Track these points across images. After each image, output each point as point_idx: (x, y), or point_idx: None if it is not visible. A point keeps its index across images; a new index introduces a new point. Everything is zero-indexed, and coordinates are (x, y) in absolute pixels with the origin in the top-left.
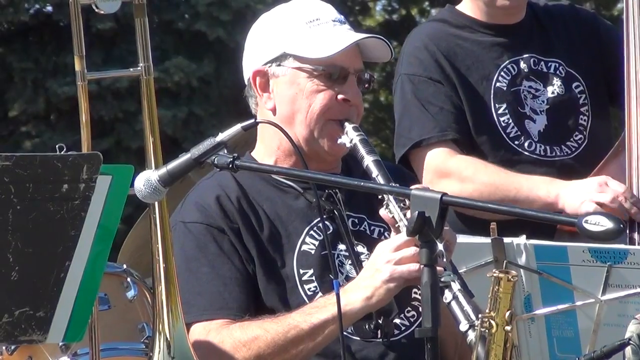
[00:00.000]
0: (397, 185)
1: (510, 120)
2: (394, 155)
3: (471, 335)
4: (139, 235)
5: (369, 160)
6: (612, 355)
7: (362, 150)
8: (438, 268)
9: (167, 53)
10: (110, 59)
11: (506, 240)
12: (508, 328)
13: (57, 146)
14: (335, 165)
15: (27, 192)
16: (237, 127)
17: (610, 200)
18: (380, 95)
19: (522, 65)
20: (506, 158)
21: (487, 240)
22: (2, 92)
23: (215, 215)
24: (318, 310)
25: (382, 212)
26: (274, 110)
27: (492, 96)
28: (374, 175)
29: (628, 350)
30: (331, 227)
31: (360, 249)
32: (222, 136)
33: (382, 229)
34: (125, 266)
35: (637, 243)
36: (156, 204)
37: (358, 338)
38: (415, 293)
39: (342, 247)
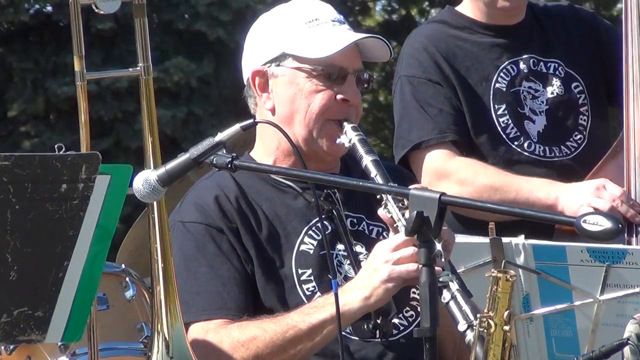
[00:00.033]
0: (396, 185)
1: (510, 121)
2: (393, 155)
3: (469, 335)
4: (138, 235)
5: (367, 160)
6: (610, 355)
7: (360, 150)
8: (436, 268)
9: (167, 53)
10: (109, 59)
11: (505, 240)
12: (506, 328)
13: (56, 146)
14: (334, 165)
15: (25, 191)
16: (236, 127)
17: (606, 204)
18: (379, 95)
19: (522, 65)
20: (506, 158)
21: (486, 240)
22: (1, 92)
23: (214, 215)
24: (316, 310)
25: (381, 212)
26: (273, 111)
27: (491, 97)
28: (372, 175)
29: (626, 350)
30: (330, 227)
31: (358, 248)
32: (221, 136)
33: (380, 229)
34: (123, 266)
35: None
36: (155, 203)
37: (357, 338)
38: (414, 293)
39: (340, 247)
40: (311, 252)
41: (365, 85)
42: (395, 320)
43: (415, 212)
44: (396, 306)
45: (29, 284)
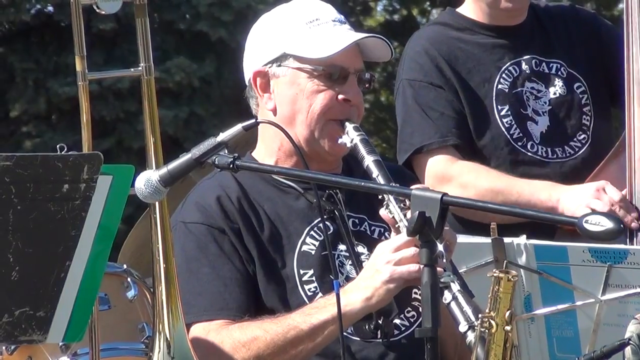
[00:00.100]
0: (398, 185)
1: (513, 122)
2: (395, 156)
3: (470, 336)
4: (140, 235)
5: (369, 160)
6: (611, 355)
7: (362, 150)
8: (438, 269)
9: (168, 53)
10: (111, 59)
11: (506, 240)
12: (508, 328)
13: (57, 146)
14: (336, 166)
15: (27, 192)
16: (238, 127)
17: (604, 207)
18: (381, 95)
19: (524, 66)
20: (510, 159)
21: (488, 240)
22: (3, 92)
23: (216, 216)
24: (318, 311)
25: (382, 212)
26: (274, 111)
27: (494, 98)
28: (374, 175)
29: (628, 350)
30: (331, 228)
31: (360, 249)
32: (222, 136)
33: (382, 229)
34: (125, 266)
35: None
36: (157, 204)
37: (358, 338)
38: (416, 293)
39: (342, 247)
40: (313, 252)
41: (367, 85)
42: (397, 321)
43: (417, 212)
44: (398, 307)
45: (30, 284)
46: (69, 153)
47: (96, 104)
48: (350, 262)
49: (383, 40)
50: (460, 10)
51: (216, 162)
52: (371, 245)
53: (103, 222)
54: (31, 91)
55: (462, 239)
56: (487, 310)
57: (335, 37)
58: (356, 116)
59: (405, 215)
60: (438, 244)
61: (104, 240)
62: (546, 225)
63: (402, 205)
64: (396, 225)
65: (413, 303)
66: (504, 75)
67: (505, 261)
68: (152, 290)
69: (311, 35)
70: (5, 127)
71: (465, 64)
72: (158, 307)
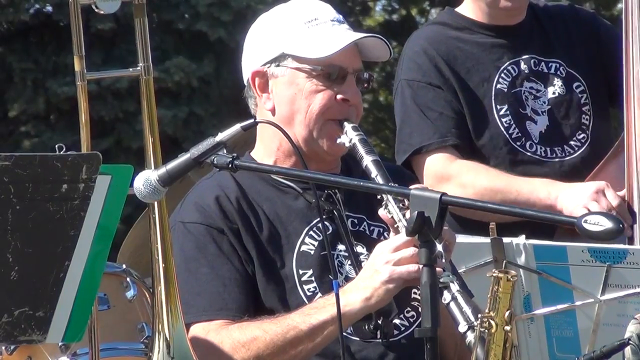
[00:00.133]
0: (397, 185)
1: (512, 122)
2: (394, 155)
3: (470, 337)
4: (139, 235)
5: (368, 161)
6: (611, 355)
7: (361, 150)
8: (437, 269)
9: (167, 53)
10: (110, 59)
11: (506, 240)
12: (507, 328)
13: (56, 146)
14: (334, 165)
15: (26, 192)
16: (236, 127)
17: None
18: (380, 95)
19: (523, 66)
20: (509, 159)
21: (487, 240)
22: (2, 92)
23: (215, 216)
24: (317, 311)
25: (381, 212)
26: (273, 111)
27: (493, 98)
28: (373, 175)
29: (627, 350)
30: (331, 228)
31: (359, 249)
32: (221, 136)
33: (381, 229)
34: (124, 266)
35: None
36: (155, 203)
37: (357, 338)
38: (415, 293)
39: (341, 247)
40: (312, 252)
41: (366, 85)
42: (396, 321)
43: (416, 212)
44: (397, 307)
45: (29, 284)
46: (68, 153)
47: (95, 104)
48: (349, 262)
49: (382, 40)
50: (459, 9)
51: (215, 162)
52: (370, 245)
53: (102, 222)
54: (30, 91)
55: (461, 238)
56: (486, 310)
57: (334, 37)
58: (355, 116)
59: (404, 215)
60: (437, 243)
61: (103, 240)
62: (546, 224)
63: (401, 205)
64: (395, 226)
65: (412, 303)
66: (502, 75)
67: (504, 261)
68: (151, 290)
69: (310, 35)
70: (4, 127)
71: (464, 64)
72: (157, 307)
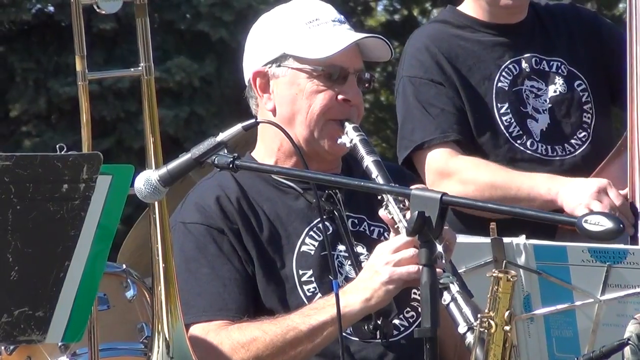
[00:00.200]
0: (397, 185)
1: (513, 120)
2: (395, 156)
3: (469, 337)
4: (139, 235)
5: (368, 161)
6: (611, 355)
7: (362, 151)
8: (437, 269)
9: (169, 53)
10: (111, 59)
11: (506, 240)
12: (507, 328)
13: (57, 146)
14: (335, 166)
15: (27, 192)
16: (237, 127)
17: (604, 210)
18: (381, 95)
19: (524, 64)
20: (508, 157)
21: (487, 240)
22: (3, 91)
23: (215, 216)
24: (317, 312)
25: (382, 212)
26: (274, 111)
27: (494, 96)
28: (373, 175)
29: (627, 350)
30: (331, 228)
31: (360, 249)
32: (222, 136)
33: (381, 230)
34: (124, 266)
35: None
36: (156, 204)
37: (357, 339)
38: (415, 294)
39: (341, 247)
40: (312, 253)
41: (367, 85)
42: (396, 321)
43: (417, 212)
44: (397, 307)
45: (29, 284)
46: (69, 153)
47: (96, 104)
48: (349, 263)
49: (383, 40)
50: (461, 8)
51: (216, 162)
52: (370, 245)
53: (102, 221)
54: (31, 91)
55: (461, 239)
56: (486, 310)
57: (335, 37)
58: (356, 116)
59: (404, 216)
60: (437, 244)
61: (103, 240)
62: (546, 224)
63: (401, 205)
64: (395, 226)
65: (412, 303)
66: (504, 73)
67: (504, 261)
68: (151, 290)
69: (311, 35)
70: (5, 126)
71: (466, 62)
72: (157, 307)
